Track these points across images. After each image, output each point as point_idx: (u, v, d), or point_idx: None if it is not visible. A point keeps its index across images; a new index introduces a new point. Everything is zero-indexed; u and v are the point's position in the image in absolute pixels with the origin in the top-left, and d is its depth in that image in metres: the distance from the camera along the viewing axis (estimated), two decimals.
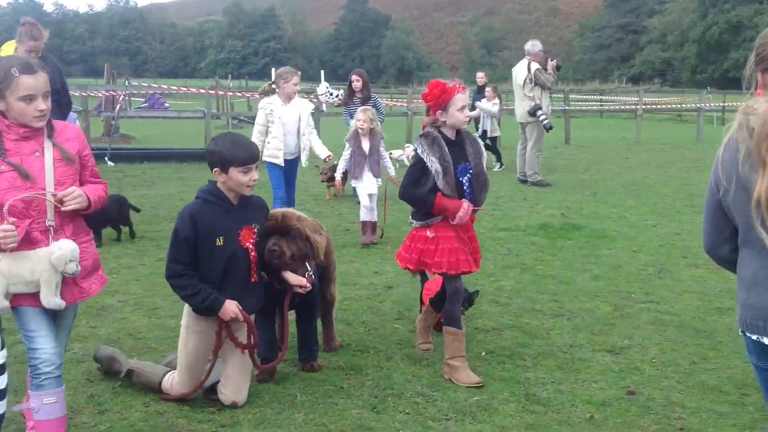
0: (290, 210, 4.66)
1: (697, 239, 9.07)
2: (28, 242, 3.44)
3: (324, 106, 18.51)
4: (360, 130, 8.69)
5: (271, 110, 8.12)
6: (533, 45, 13.15)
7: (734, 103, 30.34)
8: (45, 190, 3.45)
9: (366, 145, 8.72)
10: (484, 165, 4.84)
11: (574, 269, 7.48)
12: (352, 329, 5.66)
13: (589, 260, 7.88)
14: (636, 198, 12.08)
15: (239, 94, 27.74)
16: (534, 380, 4.70)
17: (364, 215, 8.69)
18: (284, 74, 8.21)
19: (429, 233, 4.68)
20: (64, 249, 3.47)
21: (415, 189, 4.65)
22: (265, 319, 4.68)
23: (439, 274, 4.77)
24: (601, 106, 36.49)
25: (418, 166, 4.65)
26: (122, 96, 19.96)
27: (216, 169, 4.07)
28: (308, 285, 4.48)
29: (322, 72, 38.94)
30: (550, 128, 13.14)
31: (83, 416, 4.14)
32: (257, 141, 8.01)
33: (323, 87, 17.62)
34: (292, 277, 4.44)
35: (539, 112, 12.84)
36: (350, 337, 5.47)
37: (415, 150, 4.73)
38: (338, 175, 9.25)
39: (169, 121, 28.46)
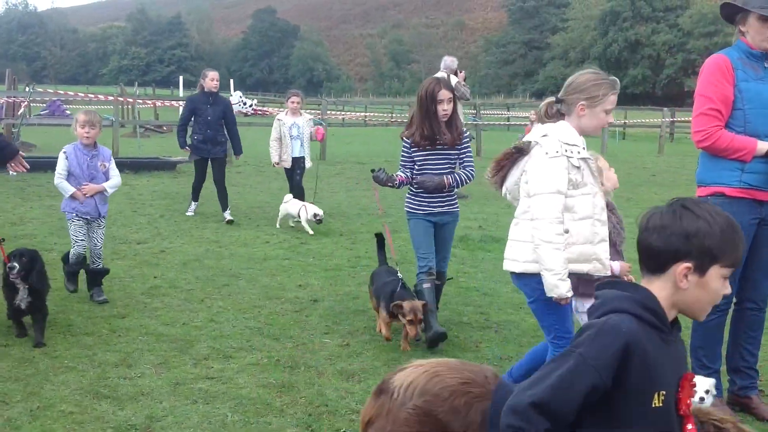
0: None
1: None
2: None
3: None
4: None
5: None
6: (453, 61, 13.29)
7: (635, 120, 31.85)
8: None
9: None
10: None
11: (497, 281, 7.53)
12: (280, 344, 5.52)
13: None
14: None
15: (140, 102, 27.20)
16: None
17: None
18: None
19: None
20: None
21: None
22: None
23: None
24: (508, 120, 37.09)
25: None
26: (25, 103, 19.16)
27: (692, 262, 2.16)
28: None
29: (231, 81, 38.51)
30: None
31: None
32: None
33: (237, 96, 17.44)
34: None
35: None
36: (278, 352, 5.34)
37: None
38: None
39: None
